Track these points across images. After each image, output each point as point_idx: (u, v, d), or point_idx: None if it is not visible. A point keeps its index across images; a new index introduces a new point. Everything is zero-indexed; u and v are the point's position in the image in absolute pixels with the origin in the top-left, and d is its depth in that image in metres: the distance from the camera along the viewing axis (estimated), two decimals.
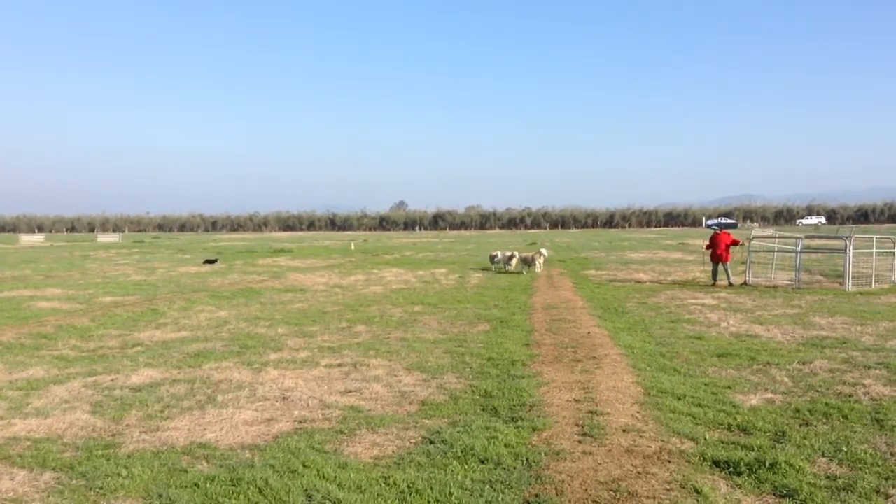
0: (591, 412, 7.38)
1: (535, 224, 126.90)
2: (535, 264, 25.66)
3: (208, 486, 5.58)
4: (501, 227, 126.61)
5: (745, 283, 20.18)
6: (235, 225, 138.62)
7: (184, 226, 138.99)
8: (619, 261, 31.87)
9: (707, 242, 21.51)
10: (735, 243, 20.80)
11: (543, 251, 26.91)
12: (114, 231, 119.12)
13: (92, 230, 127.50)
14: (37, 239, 79.40)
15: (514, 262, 26.07)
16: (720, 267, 20.62)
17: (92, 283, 23.16)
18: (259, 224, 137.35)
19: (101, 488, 5.60)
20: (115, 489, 5.58)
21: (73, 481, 5.78)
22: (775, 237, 26.82)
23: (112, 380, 9.33)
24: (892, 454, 6.08)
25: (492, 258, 27.75)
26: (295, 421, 7.44)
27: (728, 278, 20.38)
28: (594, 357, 10.26)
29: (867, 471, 5.71)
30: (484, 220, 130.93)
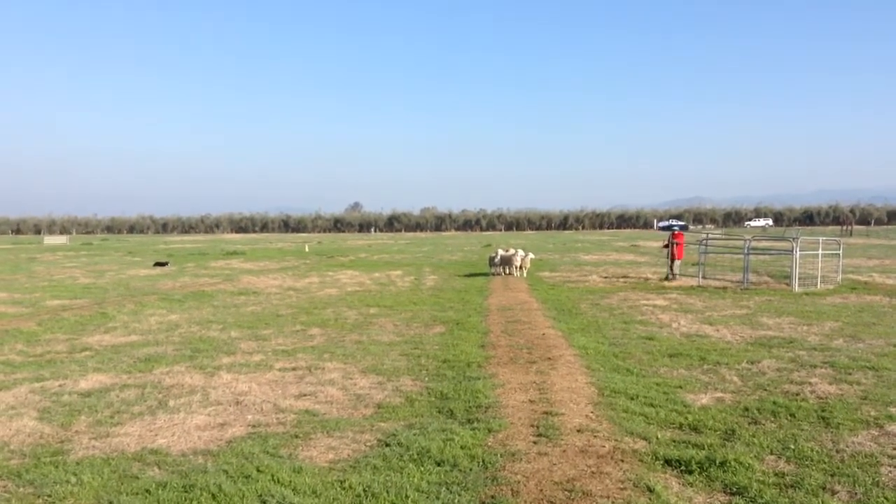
0: (546, 413, 7.44)
1: (491, 226, 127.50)
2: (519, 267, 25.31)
3: (160, 492, 5.49)
4: (457, 229, 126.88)
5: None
6: (186, 227, 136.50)
7: (133, 228, 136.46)
8: (572, 262, 32.16)
9: (665, 242, 23.52)
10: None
11: (530, 254, 26.15)
12: (61, 233, 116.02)
13: (38, 232, 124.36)
14: None
15: (518, 259, 25.50)
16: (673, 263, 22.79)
17: (38, 287, 22.59)
18: (211, 226, 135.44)
19: (50, 496, 5.47)
20: (64, 497, 5.45)
21: (21, 489, 5.64)
22: (722, 238, 27.42)
23: (60, 385, 9.11)
24: (837, 451, 6.25)
25: (492, 260, 26.12)
26: (249, 425, 7.35)
27: (672, 273, 22.69)
28: (549, 358, 10.34)
29: (814, 468, 5.86)
30: (439, 222, 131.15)
